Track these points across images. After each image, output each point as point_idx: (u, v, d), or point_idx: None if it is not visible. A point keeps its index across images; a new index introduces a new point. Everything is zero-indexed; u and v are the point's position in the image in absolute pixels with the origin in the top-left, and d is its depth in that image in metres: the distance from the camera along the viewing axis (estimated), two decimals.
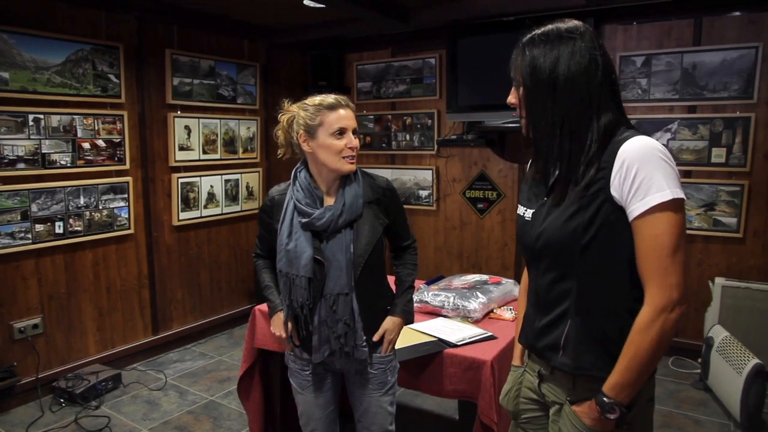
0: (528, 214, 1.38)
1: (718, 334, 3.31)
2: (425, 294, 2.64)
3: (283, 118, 1.85)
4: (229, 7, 3.93)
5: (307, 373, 1.92)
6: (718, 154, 3.65)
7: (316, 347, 1.81)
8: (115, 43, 3.56)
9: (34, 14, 3.21)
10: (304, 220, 1.76)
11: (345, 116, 1.75)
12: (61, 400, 3.29)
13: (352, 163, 1.77)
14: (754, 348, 3.15)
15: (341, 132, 1.74)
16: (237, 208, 4.54)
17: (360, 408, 1.94)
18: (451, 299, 2.55)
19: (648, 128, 3.80)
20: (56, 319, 3.45)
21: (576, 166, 1.24)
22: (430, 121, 4.72)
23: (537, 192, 1.38)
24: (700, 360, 3.53)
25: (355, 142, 1.77)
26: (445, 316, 2.57)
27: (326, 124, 1.75)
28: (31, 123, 3.19)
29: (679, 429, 3.03)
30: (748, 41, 3.51)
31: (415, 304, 2.63)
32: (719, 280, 3.59)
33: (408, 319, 1.94)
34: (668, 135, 3.77)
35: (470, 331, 2.36)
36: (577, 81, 1.22)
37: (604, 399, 1.21)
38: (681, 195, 1.14)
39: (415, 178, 4.82)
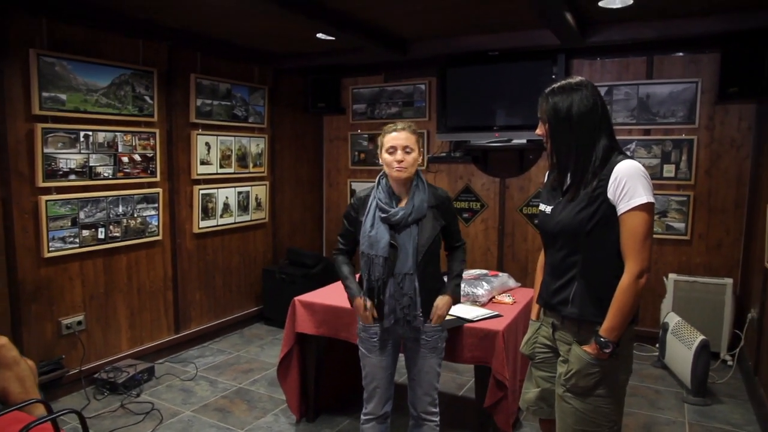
0: (548, 209, 2.00)
1: (672, 319, 3.97)
2: None
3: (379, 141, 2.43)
4: (245, 36, 4.41)
5: (375, 339, 2.42)
6: (669, 170, 4.36)
7: (387, 314, 2.33)
8: (150, 68, 3.99)
9: (86, 42, 3.61)
10: (383, 215, 2.31)
11: (397, 137, 2.29)
12: (104, 390, 3.63)
13: (399, 170, 2.27)
14: (701, 329, 3.80)
15: (392, 150, 2.28)
16: (247, 217, 4.97)
17: (414, 368, 2.44)
18: (463, 287, 3.08)
19: None
20: (96, 316, 3.79)
21: (584, 175, 1.85)
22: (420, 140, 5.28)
23: (554, 195, 2.00)
24: (657, 344, 4.18)
25: (402, 157, 2.25)
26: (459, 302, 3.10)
27: (384, 144, 2.32)
28: (81, 139, 3.58)
29: (643, 397, 3.65)
30: (690, 77, 4.25)
31: None
32: (672, 276, 4.27)
33: (456, 299, 2.47)
34: (628, 154, 4.45)
35: (481, 311, 2.91)
36: (585, 118, 1.83)
37: (601, 339, 1.80)
38: (653, 200, 1.76)
39: None
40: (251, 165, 4.98)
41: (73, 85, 3.51)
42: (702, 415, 3.40)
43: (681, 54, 4.29)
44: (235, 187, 4.81)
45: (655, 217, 4.41)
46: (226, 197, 4.74)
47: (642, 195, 1.73)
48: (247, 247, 5.06)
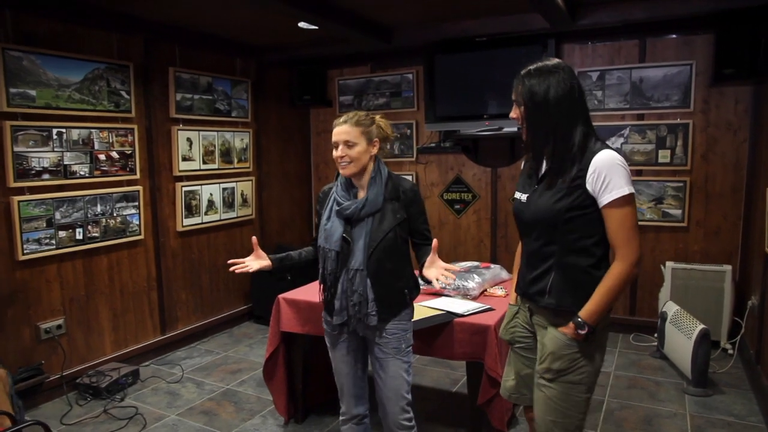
0: (523, 197, 1.92)
1: (671, 308, 3.86)
2: None
3: None
4: (225, 27, 4.27)
5: (335, 333, 2.32)
6: (664, 156, 4.24)
7: (337, 311, 2.22)
8: (126, 62, 3.85)
9: (57, 36, 3.47)
10: (336, 208, 2.23)
11: (337, 132, 2.16)
12: (87, 395, 3.51)
13: (343, 168, 2.16)
14: (700, 318, 3.70)
15: (335, 145, 2.17)
16: (233, 214, 4.84)
17: (379, 373, 2.28)
18: (452, 280, 2.96)
19: (604, 134, 4.37)
20: (77, 320, 3.67)
21: (561, 162, 1.79)
22: (409, 130, 5.17)
23: (530, 182, 1.93)
24: (656, 334, 4.08)
25: (342, 152, 2.13)
26: (447, 296, 2.99)
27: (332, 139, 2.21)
28: (54, 136, 3.44)
29: (642, 389, 3.54)
30: (684, 59, 4.13)
31: (421, 287, 3.05)
32: (669, 264, 4.16)
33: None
34: (621, 139, 4.34)
35: (472, 305, 2.79)
36: (563, 102, 1.75)
37: (579, 320, 1.77)
38: (633, 190, 1.72)
39: None
40: (236, 160, 4.85)
41: (43, 80, 3.37)
42: (703, 406, 3.30)
43: (674, 36, 4.16)
44: (219, 183, 4.68)
45: (652, 203, 4.30)
46: (211, 194, 4.61)
47: (623, 186, 1.70)
48: (234, 245, 4.94)
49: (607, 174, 1.69)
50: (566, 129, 1.76)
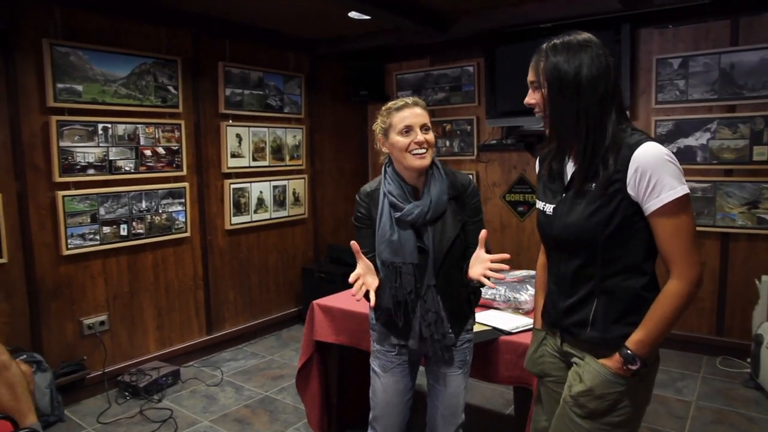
0: (548, 208, 1.57)
1: None
2: None
3: (375, 126, 1.99)
4: (276, 20, 4.14)
5: (393, 354, 2.02)
6: (760, 152, 3.68)
7: (415, 334, 1.92)
8: (173, 56, 3.79)
9: (104, 31, 3.45)
10: (396, 215, 1.88)
11: (410, 114, 1.85)
12: (126, 393, 3.47)
13: (421, 157, 1.84)
14: None
15: (407, 130, 1.84)
16: (284, 213, 4.72)
17: (436, 388, 2.04)
18: (503, 292, 2.64)
19: (686, 128, 3.87)
20: (120, 316, 3.65)
21: (593, 161, 1.43)
22: (469, 127, 4.85)
23: (554, 188, 1.58)
24: (749, 359, 3.54)
25: (422, 137, 1.84)
26: (496, 308, 2.66)
27: (394, 125, 1.88)
28: (100, 132, 3.42)
29: (732, 426, 3.05)
30: None
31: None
32: (766, 278, 3.60)
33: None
34: (707, 135, 3.82)
35: (523, 321, 2.46)
36: (597, 84, 1.41)
37: (628, 352, 1.42)
38: (687, 190, 1.38)
39: None
40: (288, 157, 4.72)
41: (89, 75, 3.35)
42: None
43: None
44: (270, 180, 4.57)
45: (744, 208, 3.76)
46: (261, 192, 4.50)
47: (675, 186, 1.36)
48: (285, 245, 4.82)
49: (653, 172, 1.35)
50: (600, 116, 1.42)
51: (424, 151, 1.84)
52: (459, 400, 2.05)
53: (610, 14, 3.70)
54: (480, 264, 1.79)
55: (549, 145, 1.59)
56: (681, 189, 1.36)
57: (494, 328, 2.39)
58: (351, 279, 1.80)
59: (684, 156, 3.88)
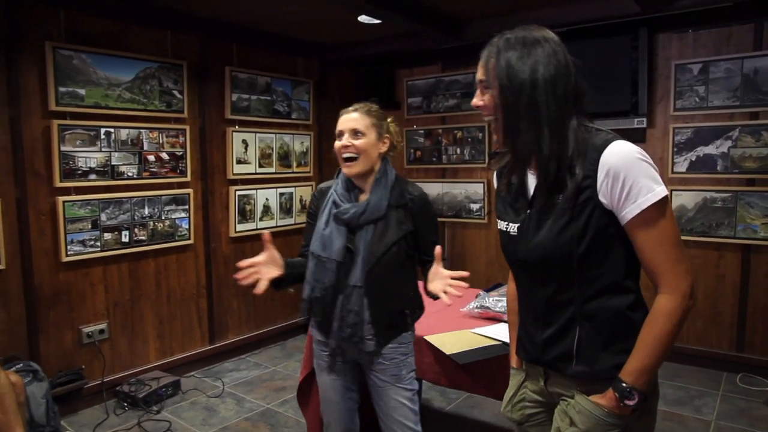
0: (512, 228, 1.38)
1: None
2: (486, 300, 2.63)
3: None
4: (285, 25, 4.07)
5: (326, 354, 2.00)
6: None
7: (335, 332, 1.91)
8: (179, 60, 3.74)
9: (108, 35, 3.40)
10: (334, 211, 1.90)
11: (344, 119, 1.90)
12: (125, 404, 3.38)
13: (348, 166, 1.87)
14: None
15: (339, 134, 1.90)
16: (291, 221, 4.63)
17: (379, 405, 1.99)
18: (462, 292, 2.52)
19: (706, 136, 3.72)
20: (120, 325, 3.57)
21: (559, 171, 1.25)
22: (480, 134, 4.74)
23: (516, 205, 1.39)
24: None
25: (346, 141, 1.86)
26: (505, 322, 2.54)
27: (336, 129, 1.94)
28: (102, 136, 3.36)
29: None
30: None
31: (476, 310, 2.63)
32: None
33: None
34: (729, 143, 3.67)
35: None
36: (557, 82, 1.25)
37: (623, 385, 1.23)
38: (666, 191, 1.21)
39: (466, 191, 4.82)
40: (295, 164, 4.64)
41: (93, 79, 3.30)
42: None
43: None
44: (276, 187, 4.49)
45: (767, 219, 3.59)
46: (266, 199, 4.42)
47: (653, 188, 1.19)
48: (291, 253, 4.61)
49: (627, 174, 1.19)
50: (562, 122, 1.25)
51: (350, 154, 1.86)
52: (403, 413, 1.96)
53: (627, 18, 3.58)
54: (440, 280, 1.75)
55: (502, 157, 1.38)
56: (660, 190, 1.19)
57: (504, 343, 2.27)
58: (243, 263, 1.72)
59: (703, 165, 3.74)
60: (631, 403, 1.22)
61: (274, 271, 1.79)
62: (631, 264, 1.28)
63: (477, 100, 1.34)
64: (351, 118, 1.89)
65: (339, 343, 1.91)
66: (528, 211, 1.35)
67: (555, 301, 1.32)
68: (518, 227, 1.36)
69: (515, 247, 1.38)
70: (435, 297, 1.80)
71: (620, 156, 1.20)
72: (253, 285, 1.71)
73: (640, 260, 1.25)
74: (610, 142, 1.22)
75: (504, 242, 1.43)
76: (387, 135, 1.94)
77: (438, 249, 1.75)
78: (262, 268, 1.75)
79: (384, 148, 1.93)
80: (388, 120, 2.00)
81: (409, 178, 1.95)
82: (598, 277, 1.27)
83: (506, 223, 1.41)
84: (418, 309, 2.03)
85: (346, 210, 1.87)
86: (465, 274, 1.69)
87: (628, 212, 1.20)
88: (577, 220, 1.24)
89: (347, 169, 1.88)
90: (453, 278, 1.71)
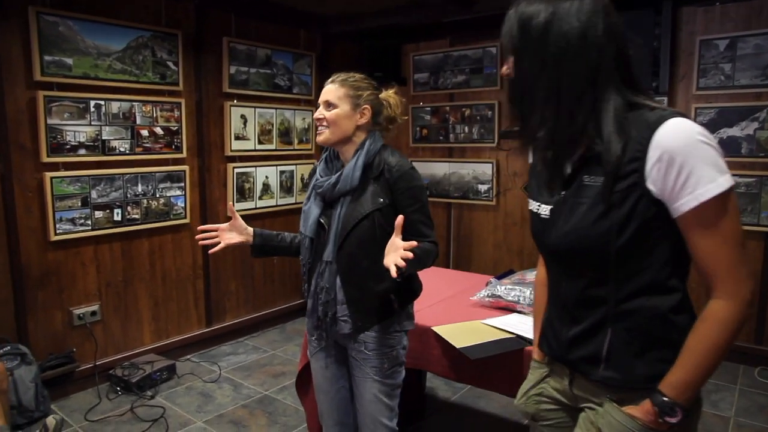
0: (544, 210, 1.21)
1: None
2: (497, 288, 2.46)
3: None
4: None
5: (314, 338, 1.93)
6: None
7: (309, 312, 1.88)
8: (174, 30, 3.53)
9: (98, 0, 3.19)
10: (312, 183, 1.88)
11: (323, 91, 1.81)
12: (118, 388, 3.26)
13: (319, 133, 1.80)
14: None
15: (317, 106, 1.82)
16: (291, 200, 4.46)
17: (356, 394, 1.89)
18: (528, 294, 2.36)
19: (731, 117, 3.52)
20: (113, 306, 3.43)
21: (570, 148, 1.11)
22: (490, 112, 4.53)
23: (551, 184, 1.20)
24: None
25: (320, 113, 1.78)
26: (520, 312, 2.38)
27: None
28: (92, 109, 3.18)
29: None
30: None
31: (487, 299, 2.47)
32: None
33: (417, 255, 1.56)
34: (755, 124, 3.47)
35: None
36: (580, 46, 1.05)
37: (664, 399, 1.07)
38: (732, 182, 1.01)
39: (474, 171, 4.64)
40: (296, 141, 4.45)
41: (80, 48, 3.10)
42: None
43: None
44: (276, 165, 4.31)
45: None
46: (266, 177, 4.24)
47: (715, 178, 0.99)
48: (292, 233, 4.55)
49: (685, 159, 0.99)
50: (585, 93, 1.06)
51: (322, 128, 1.79)
52: (377, 408, 1.84)
53: None
54: (394, 252, 1.52)
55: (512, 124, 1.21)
56: (724, 181, 0.99)
57: (518, 336, 2.11)
58: (203, 227, 1.90)
59: (727, 147, 3.54)
60: (672, 420, 1.06)
61: (236, 238, 1.90)
62: (679, 261, 1.10)
63: (504, 68, 1.18)
64: (326, 89, 1.80)
65: (315, 323, 1.86)
66: (563, 192, 1.16)
67: (586, 297, 1.16)
68: (551, 210, 1.19)
69: (545, 233, 1.20)
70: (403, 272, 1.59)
71: (678, 137, 1.00)
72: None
73: (694, 259, 1.07)
74: (665, 119, 1.02)
75: (534, 225, 1.26)
76: (366, 106, 1.79)
77: (399, 218, 1.55)
78: (224, 234, 1.89)
79: (362, 120, 1.78)
80: (389, 92, 1.88)
81: (414, 158, 1.79)
82: (638, 273, 1.09)
83: (538, 204, 1.23)
84: (407, 293, 1.85)
85: (322, 182, 1.82)
86: (413, 244, 1.50)
87: (683, 204, 1.01)
88: (619, 208, 1.05)
89: (318, 136, 1.81)
90: (406, 249, 1.51)
